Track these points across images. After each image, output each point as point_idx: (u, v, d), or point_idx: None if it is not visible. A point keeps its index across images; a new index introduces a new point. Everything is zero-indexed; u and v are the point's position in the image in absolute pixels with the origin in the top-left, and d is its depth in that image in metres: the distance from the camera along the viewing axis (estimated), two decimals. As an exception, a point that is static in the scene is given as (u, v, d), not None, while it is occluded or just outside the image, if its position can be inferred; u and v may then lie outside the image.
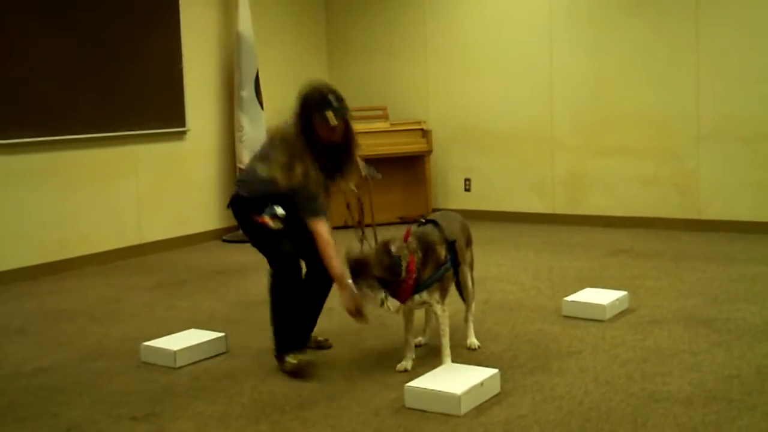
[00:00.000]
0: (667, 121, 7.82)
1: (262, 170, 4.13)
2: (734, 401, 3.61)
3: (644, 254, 6.79)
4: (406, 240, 4.02)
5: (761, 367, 4.04)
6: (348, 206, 4.51)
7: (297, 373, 4.10)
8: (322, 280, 4.29)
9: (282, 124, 4.22)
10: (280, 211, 4.12)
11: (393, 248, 3.93)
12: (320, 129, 4.06)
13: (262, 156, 4.26)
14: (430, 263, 4.07)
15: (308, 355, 4.20)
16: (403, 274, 3.94)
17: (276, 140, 4.19)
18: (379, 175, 4.58)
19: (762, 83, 7.32)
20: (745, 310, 5.03)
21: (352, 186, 4.37)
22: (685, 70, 7.67)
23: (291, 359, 4.13)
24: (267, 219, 4.11)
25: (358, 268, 3.92)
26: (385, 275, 3.91)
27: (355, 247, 4.09)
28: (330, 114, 4.01)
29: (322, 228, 4.05)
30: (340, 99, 4.08)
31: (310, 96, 4.08)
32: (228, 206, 4.38)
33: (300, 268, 4.27)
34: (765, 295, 5.37)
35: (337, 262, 4.05)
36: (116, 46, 7.27)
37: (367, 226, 4.53)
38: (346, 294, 4.01)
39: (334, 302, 5.50)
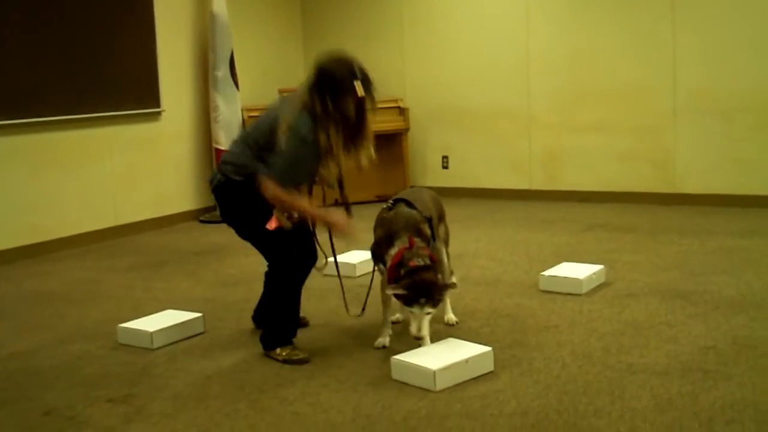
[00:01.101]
0: (644, 97, 7.83)
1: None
2: (710, 372, 3.64)
3: (621, 228, 6.82)
4: (411, 246, 3.91)
5: (737, 338, 4.07)
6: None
7: (292, 362, 4.03)
8: (305, 266, 4.17)
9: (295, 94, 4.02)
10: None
11: (421, 261, 3.85)
12: (344, 103, 3.89)
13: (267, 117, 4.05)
14: (428, 244, 4.06)
15: (298, 349, 4.12)
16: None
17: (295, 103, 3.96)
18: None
19: (737, 57, 7.34)
20: (721, 282, 5.07)
21: (365, 161, 4.12)
22: (661, 46, 7.68)
23: (281, 351, 4.07)
24: (279, 221, 3.94)
25: (426, 290, 3.81)
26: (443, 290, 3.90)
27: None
28: (359, 86, 3.89)
29: (268, 184, 3.88)
30: (360, 65, 3.96)
31: (338, 70, 3.91)
32: (212, 190, 4.17)
33: (306, 266, 4.15)
34: (741, 267, 5.41)
35: (303, 202, 3.97)
36: (88, 26, 7.18)
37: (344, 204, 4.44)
38: (333, 217, 3.97)
39: (311, 282, 5.51)
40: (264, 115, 4.11)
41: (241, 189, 4.01)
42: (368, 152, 4.09)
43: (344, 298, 4.37)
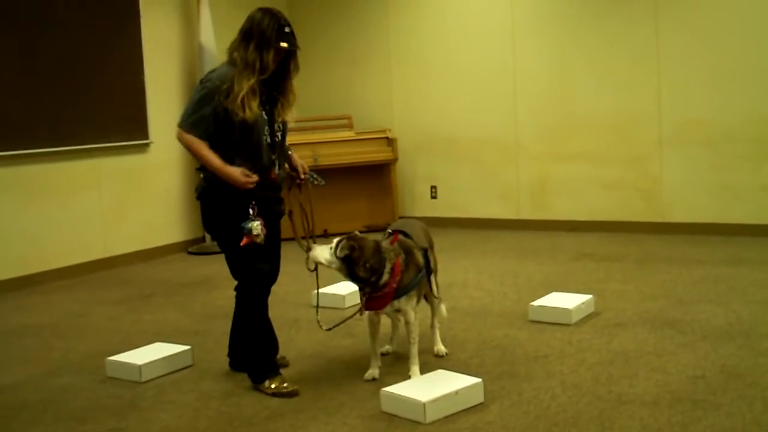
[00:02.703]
0: (630, 126, 7.89)
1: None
2: (699, 401, 3.65)
3: (609, 258, 6.84)
4: (394, 240, 4.02)
5: (725, 366, 4.08)
6: (290, 215, 4.25)
7: (281, 394, 4.01)
8: (270, 282, 4.20)
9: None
10: (256, 226, 3.95)
11: (384, 243, 3.94)
12: (270, 56, 3.94)
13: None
14: (411, 268, 4.07)
15: (287, 381, 4.10)
16: (386, 277, 3.94)
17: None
18: (323, 182, 4.34)
19: (722, 87, 7.41)
20: (709, 311, 5.08)
21: (291, 115, 4.16)
22: (647, 76, 7.75)
23: (270, 384, 4.05)
24: (251, 237, 3.94)
25: (347, 263, 3.91)
26: (366, 275, 3.91)
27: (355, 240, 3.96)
28: (284, 45, 3.94)
29: (178, 131, 3.99)
30: (289, 24, 4.02)
31: (264, 23, 3.95)
32: (197, 198, 4.17)
33: (271, 282, 4.19)
34: (728, 295, 5.42)
35: (205, 150, 3.95)
36: (77, 58, 7.21)
37: (318, 236, 4.42)
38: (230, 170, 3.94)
39: (300, 313, 5.49)
40: None
41: (217, 195, 4.03)
42: (290, 107, 4.14)
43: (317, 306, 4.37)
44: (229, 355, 4.44)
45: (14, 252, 6.79)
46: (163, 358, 4.45)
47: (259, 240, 3.95)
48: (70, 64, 7.16)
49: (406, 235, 4.24)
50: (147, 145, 7.91)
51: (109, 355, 4.55)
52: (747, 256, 6.57)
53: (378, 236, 4.25)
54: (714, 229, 7.50)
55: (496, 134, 8.60)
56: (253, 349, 4.14)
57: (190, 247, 8.23)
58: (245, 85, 3.88)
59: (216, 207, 4.07)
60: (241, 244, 3.94)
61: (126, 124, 7.68)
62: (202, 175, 4.11)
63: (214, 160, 3.94)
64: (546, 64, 8.26)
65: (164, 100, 8.10)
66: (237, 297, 4.20)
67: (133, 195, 7.83)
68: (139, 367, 4.33)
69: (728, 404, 3.60)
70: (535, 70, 8.31)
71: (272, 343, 4.21)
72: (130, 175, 7.78)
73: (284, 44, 3.94)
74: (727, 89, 7.39)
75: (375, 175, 8.79)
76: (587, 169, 8.13)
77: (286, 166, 4.25)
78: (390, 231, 4.29)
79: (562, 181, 8.30)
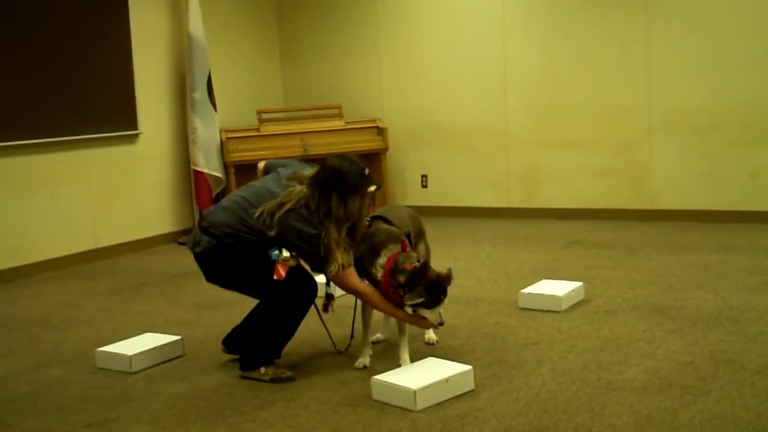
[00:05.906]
0: (620, 114, 7.90)
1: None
2: (689, 387, 3.66)
3: (598, 245, 6.85)
4: (405, 249, 4.00)
5: (714, 352, 4.10)
6: None
7: (280, 380, 4.04)
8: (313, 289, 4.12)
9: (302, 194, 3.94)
10: (285, 254, 3.95)
11: (416, 263, 3.94)
12: (356, 203, 3.92)
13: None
14: None
15: (283, 367, 4.13)
16: (381, 272, 3.99)
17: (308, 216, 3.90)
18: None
19: (711, 75, 7.43)
20: (698, 297, 5.10)
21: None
22: (637, 64, 7.75)
23: (266, 371, 4.06)
24: (286, 263, 3.94)
25: (441, 288, 3.93)
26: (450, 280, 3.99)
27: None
28: (372, 188, 3.94)
29: (352, 282, 3.97)
30: (364, 165, 3.98)
31: (344, 169, 3.91)
32: (199, 254, 4.06)
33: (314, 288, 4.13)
34: (717, 282, 5.44)
35: (396, 310, 3.99)
36: (65, 48, 7.17)
37: None
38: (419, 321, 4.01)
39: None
40: (264, 190, 4.04)
41: (234, 249, 3.99)
42: (356, 246, 4.11)
43: (330, 338, 4.38)
44: (229, 335, 4.39)
45: (3, 243, 6.76)
46: (154, 349, 4.45)
47: (292, 263, 3.95)
48: (58, 54, 7.12)
49: (386, 221, 4.22)
50: (136, 135, 7.87)
51: (100, 346, 4.54)
52: (736, 243, 6.59)
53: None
54: (703, 216, 7.53)
55: (486, 123, 8.59)
56: (265, 337, 4.09)
57: (180, 238, 8.20)
58: (335, 238, 3.86)
59: (233, 262, 4.01)
60: (279, 277, 3.91)
61: (115, 115, 7.64)
62: (209, 233, 4.00)
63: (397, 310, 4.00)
64: (536, 53, 8.25)
65: (153, 91, 8.06)
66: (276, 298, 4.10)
67: (123, 186, 7.80)
68: (130, 357, 4.33)
69: (717, 390, 3.62)
70: (525, 58, 8.30)
71: (284, 342, 4.17)
72: (119, 165, 7.75)
73: (372, 187, 3.93)
74: (716, 77, 7.41)
75: (365, 165, 8.76)
76: (577, 157, 8.14)
77: None
78: (370, 217, 4.27)
79: (552, 170, 8.30)
